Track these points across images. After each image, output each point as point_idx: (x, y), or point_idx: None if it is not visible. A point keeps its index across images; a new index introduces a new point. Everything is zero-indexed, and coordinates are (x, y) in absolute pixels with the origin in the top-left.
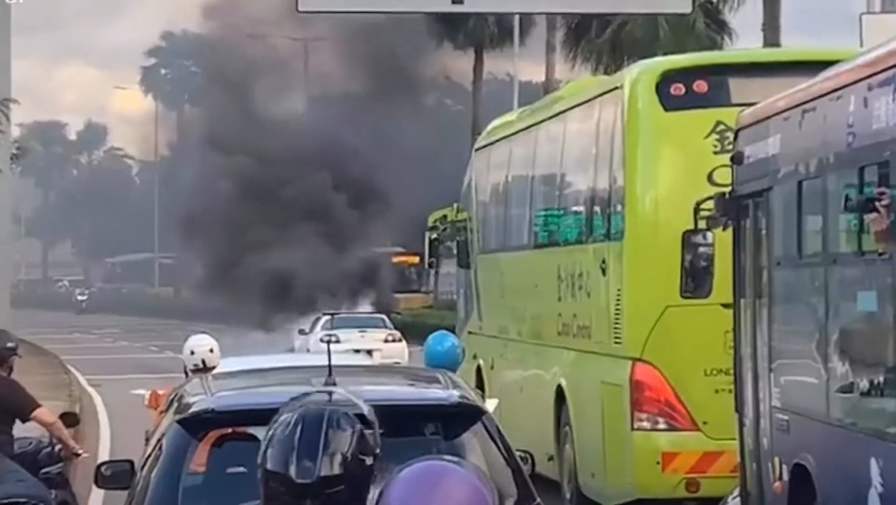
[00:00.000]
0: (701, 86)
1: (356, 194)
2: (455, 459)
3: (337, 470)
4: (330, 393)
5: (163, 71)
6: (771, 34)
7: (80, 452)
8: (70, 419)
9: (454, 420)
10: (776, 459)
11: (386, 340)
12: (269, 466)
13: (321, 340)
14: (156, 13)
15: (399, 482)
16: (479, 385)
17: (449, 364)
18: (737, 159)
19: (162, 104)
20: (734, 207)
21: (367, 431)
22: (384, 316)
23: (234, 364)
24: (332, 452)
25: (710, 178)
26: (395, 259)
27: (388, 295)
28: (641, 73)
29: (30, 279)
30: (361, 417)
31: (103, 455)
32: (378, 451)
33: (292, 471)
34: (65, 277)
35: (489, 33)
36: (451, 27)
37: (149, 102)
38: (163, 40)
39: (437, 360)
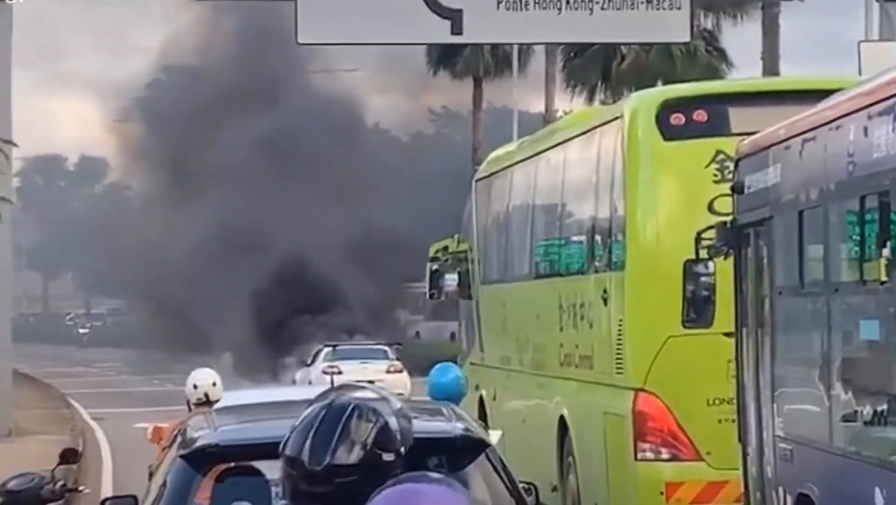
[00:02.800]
0: (701, 115)
1: (362, 230)
2: (442, 477)
3: (351, 460)
4: (363, 387)
5: (160, 104)
6: (770, 63)
7: (80, 488)
8: (70, 456)
9: (458, 452)
10: (780, 489)
11: (388, 372)
12: (287, 452)
13: (323, 372)
14: (157, 47)
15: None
16: (482, 416)
17: (452, 395)
18: (737, 188)
19: (161, 137)
20: (735, 236)
21: (394, 427)
22: (386, 347)
23: (237, 398)
24: (349, 442)
25: (710, 207)
26: None
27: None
28: (641, 102)
29: (31, 312)
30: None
31: (106, 490)
32: (403, 449)
33: (305, 456)
34: (72, 311)
35: (487, 63)
36: (450, 56)
37: (148, 136)
38: (164, 73)
39: (441, 391)
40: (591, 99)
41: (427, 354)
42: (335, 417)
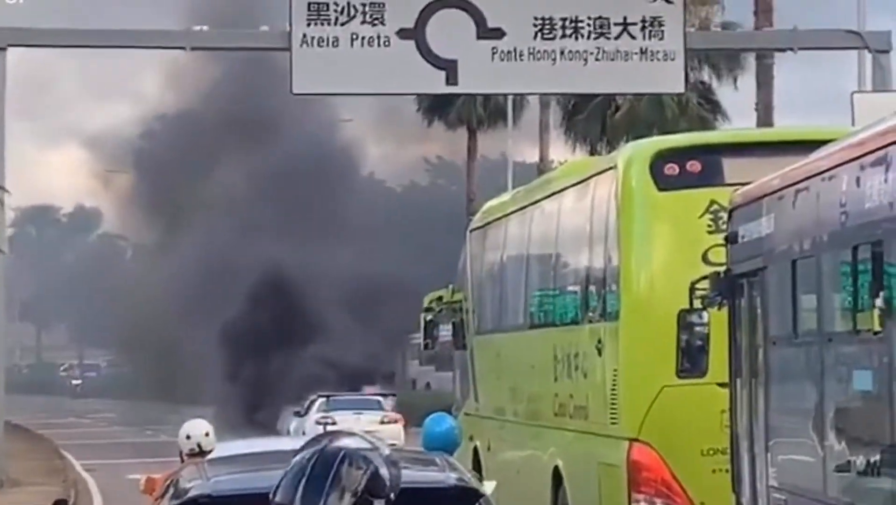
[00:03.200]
0: (695, 165)
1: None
2: None
3: None
4: (352, 435)
5: (155, 152)
6: (764, 114)
7: None
8: None
9: (452, 502)
10: None
11: (382, 422)
12: (277, 499)
13: (317, 423)
14: (150, 96)
15: None
16: (476, 467)
17: (447, 445)
18: (731, 239)
19: (155, 187)
20: (729, 286)
21: (384, 473)
22: (380, 398)
23: (230, 448)
24: (340, 489)
25: (704, 257)
26: None
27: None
28: (635, 153)
29: (25, 364)
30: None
31: None
32: (392, 495)
33: (297, 504)
34: (65, 361)
35: (482, 113)
36: (444, 107)
37: (142, 186)
38: (157, 122)
39: (435, 441)
40: (591, 152)
41: (426, 405)
42: (326, 464)
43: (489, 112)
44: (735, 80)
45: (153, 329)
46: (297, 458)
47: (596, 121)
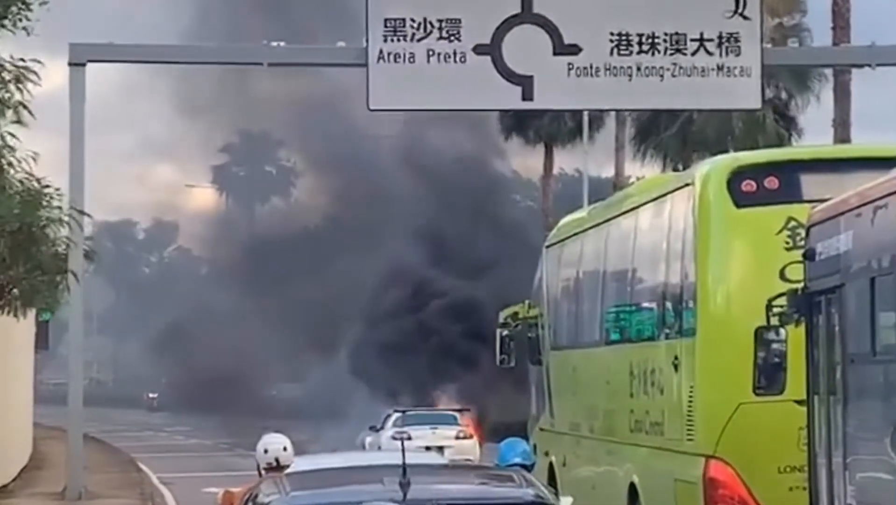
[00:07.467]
0: (772, 182)
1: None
2: None
3: None
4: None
5: (234, 169)
6: (842, 130)
7: None
8: None
9: None
10: None
11: (457, 437)
12: None
13: (393, 438)
14: (231, 112)
15: None
16: (552, 482)
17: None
18: (809, 255)
19: (234, 203)
20: (807, 304)
21: None
22: (456, 413)
23: (308, 463)
24: None
25: (782, 274)
26: None
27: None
28: (712, 169)
29: (104, 378)
30: None
31: None
32: None
33: None
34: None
35: (560, 129)
36: (523, 123)
37: (221, 201)
38: (237, 137)
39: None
40: (662, 165)
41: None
42: None
43: (566, 128)
44: (796, 99)
45: (225, 345)
46: None
47: (671, 137)
